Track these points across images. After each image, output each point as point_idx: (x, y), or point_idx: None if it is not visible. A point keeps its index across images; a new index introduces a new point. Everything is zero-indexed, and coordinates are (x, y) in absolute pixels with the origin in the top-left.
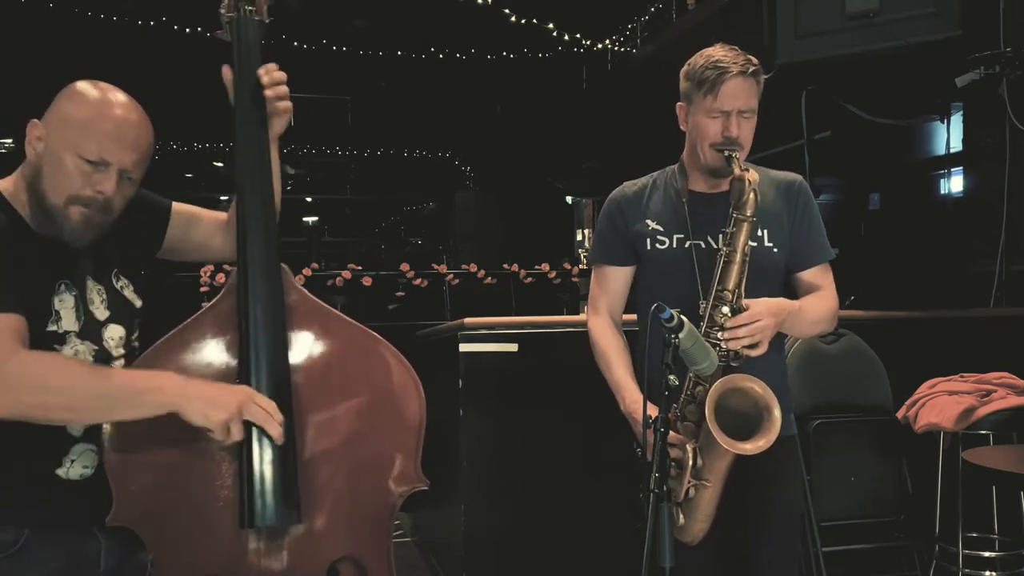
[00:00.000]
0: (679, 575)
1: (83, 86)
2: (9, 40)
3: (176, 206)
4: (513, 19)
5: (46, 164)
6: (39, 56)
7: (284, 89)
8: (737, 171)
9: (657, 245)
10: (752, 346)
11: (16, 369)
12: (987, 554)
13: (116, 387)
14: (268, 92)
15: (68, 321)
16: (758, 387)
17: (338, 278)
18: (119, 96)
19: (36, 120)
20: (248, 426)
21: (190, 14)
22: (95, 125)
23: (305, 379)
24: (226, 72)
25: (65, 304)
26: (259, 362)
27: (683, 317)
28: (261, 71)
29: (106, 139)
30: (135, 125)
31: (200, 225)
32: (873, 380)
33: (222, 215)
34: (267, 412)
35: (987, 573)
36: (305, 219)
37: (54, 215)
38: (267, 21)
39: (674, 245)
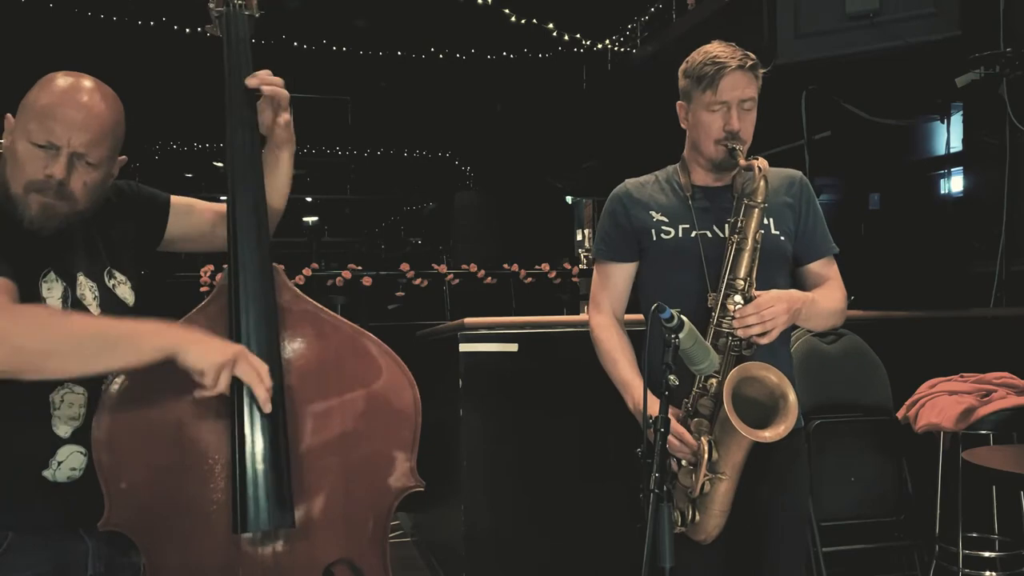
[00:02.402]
0: (682, 575)
1: (51, 76)
2: (9, 40)
3: (175, 199)
4: (513, 19)
5: (7, 154)
6: (39, 56)
7: (273, 80)
8: (743, 161)
9: (662, 235)
10: (762, 334)
11: (9, 319)
12: (987, 554)
13: (116, 332)
14: (251, 81)
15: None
16: (772, 375)
17: (338, 278)
18: (83, 82)
19: (11, 115)
20: (240, 428)
21: (189, 14)
22: (46, 110)
23: (298, 379)
24: None
25: (52, 293)
26: None
27: (683, 317)
28: (251, 80)
29: (52, 121)
30: (88, 107)
31: (201, 216)
32: (873, 380)
33: (222, 206)
34: (258, 373)
35: (987, 573)
36: (305, 219)
37: (16, 203)
38: (257, 15)
39: (680, 235)
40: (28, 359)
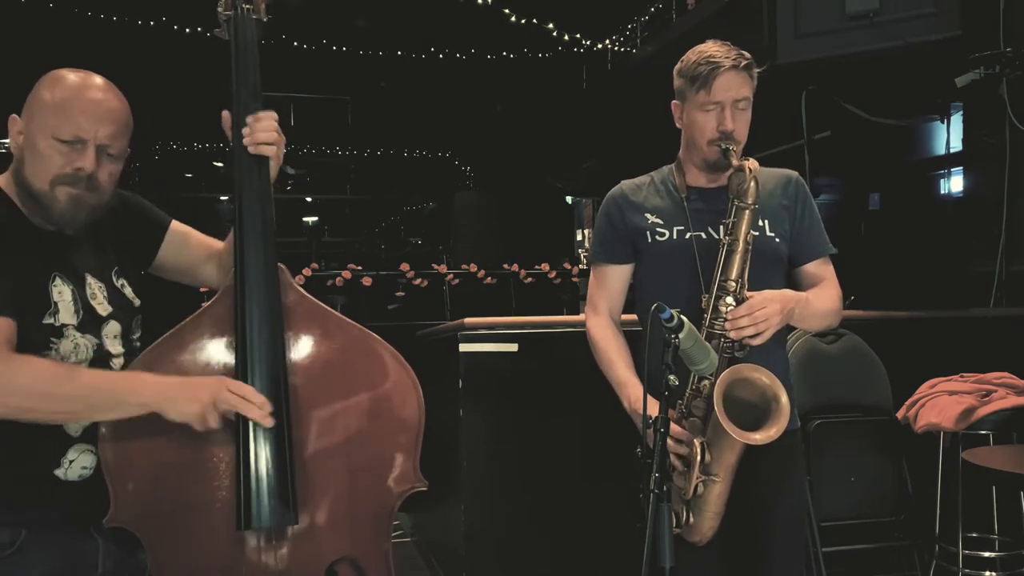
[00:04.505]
0: (682, 575)
1: (58, 72)
2: (9, 40)
3: (175, 224)
4: (513, 19)
5: (26, 153)
6: (39, 57)
7: (265, 136)
8: (735, 162)
9: (657, 237)
10: (754, 335)
11: (5, 371)
12: (987, 554)
13: (97, 391)
14: (246, 140)
15: (66, 314)
16: (764, 376)
17: (338, 278)
18: (93, 78)
19: (15, 115)
20: (244, 427)
21: (190, 14)
22: (66, 106)
23: (303, 379)
24: (226, 119)
25: (63, 296)
26: (256, 362)
27: (683, 317)
28: (245, 131)
29: (78, 116)
30: (105, 100)
31: (195, 249)
32: (873, 380)
33: (217, 243)
34: (242, 397)
35: (987, 573)
36: (305, 219)
37: (41, 199)
38: (265, 19)
39: (674, 237)
40: (16, 414)
